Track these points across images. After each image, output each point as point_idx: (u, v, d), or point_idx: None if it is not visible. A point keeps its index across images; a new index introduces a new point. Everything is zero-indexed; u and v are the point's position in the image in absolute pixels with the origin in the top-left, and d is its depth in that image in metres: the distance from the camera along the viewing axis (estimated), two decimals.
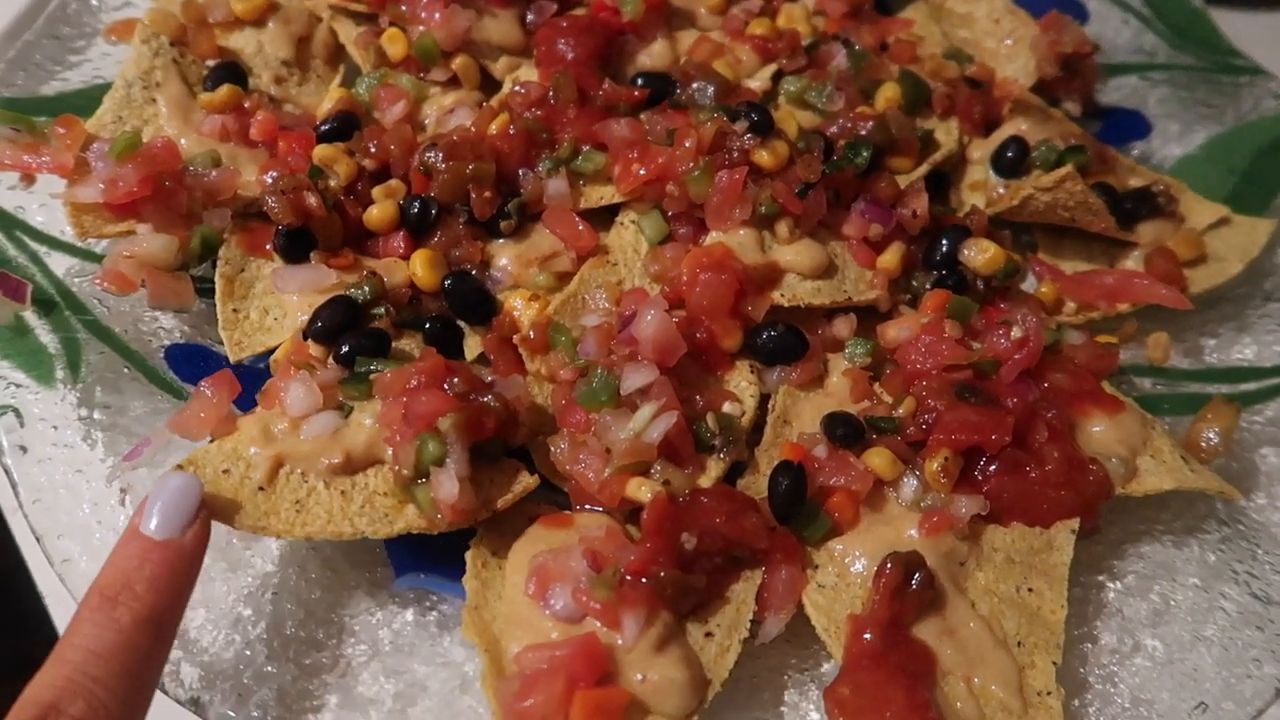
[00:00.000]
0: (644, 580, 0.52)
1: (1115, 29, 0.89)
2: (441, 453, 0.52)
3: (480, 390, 0.56)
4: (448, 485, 0.52)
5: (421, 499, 0.53)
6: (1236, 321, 0.73)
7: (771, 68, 0.81)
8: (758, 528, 0.56)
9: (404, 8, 0.77)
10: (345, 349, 0.60)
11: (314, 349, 0.61)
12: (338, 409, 0.56)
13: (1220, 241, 0.75)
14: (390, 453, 0.54)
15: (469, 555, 0.56)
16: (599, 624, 0.51)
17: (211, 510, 0.51)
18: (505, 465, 0.58)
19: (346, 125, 0.72)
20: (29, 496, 0.54)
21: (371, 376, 0.56)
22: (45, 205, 0.66)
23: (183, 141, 0.69)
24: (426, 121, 0.77)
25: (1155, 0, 0.89)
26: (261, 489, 0.53)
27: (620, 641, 0.51)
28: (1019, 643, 0.56)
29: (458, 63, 0.77)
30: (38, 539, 0.54)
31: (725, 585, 0.56)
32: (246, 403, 0.61)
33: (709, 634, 0.54)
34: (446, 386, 0.55)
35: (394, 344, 0.63)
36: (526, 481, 0.57)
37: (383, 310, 0.63)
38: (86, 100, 0.70)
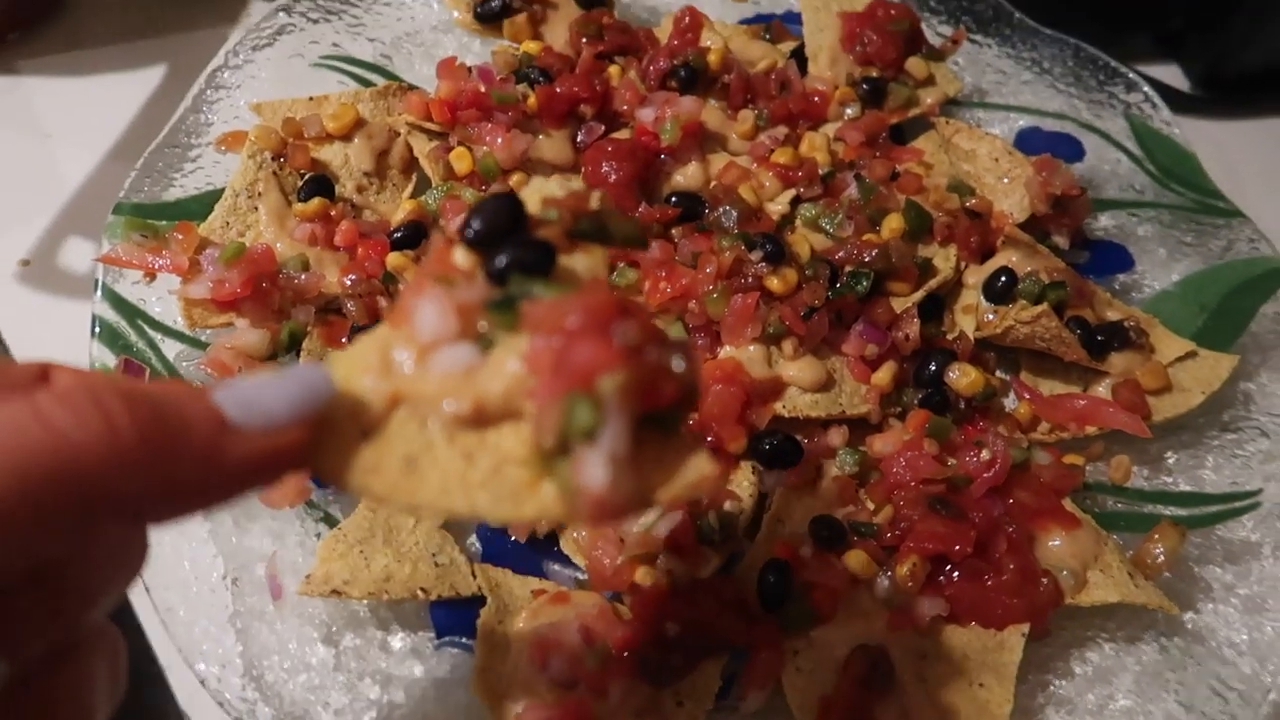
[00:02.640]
0: (627, 655, 0.62)
1: (1110, 165, 0.98)
2: (593, 423, 0.38)
3: (661, 345, 0.42)
4: (594, 470, 0.38)
5: (564, 478, 0.39)
6: (1194, 449, 0.81)
7: (791, 193, 0.91)
8: (737, 629, 0.65)
9: (471, 130, 0.89)
10: (502, 262, 0.43)
11: (462, 259, 0.44)
12: (478, 340, 0.41)
13: (1186, 374, 0.83)
14: (532, 409, 0.40)
15: (479, 622, 0.65)
16: (588, 690, 0.61)
17: (307, 458, 0.38)
18: (678, 443, 0.43)
19: (415, 234, 0.84)
20: None
21: (522, 304, 0.42)
22: (161, 299, 0.77)
23: (278, 245, 0.80)
24: None
25: (1147, 143, 0.98)
26: (367, 434, 0.40)
27: (606, 707, 0.60)
28: None
29: (515, 179, 0.88)
30: (146, 590, 0.65)
31: (697, 662, 0.65)
32: None
33: (680, 703, 0.64)
34: (616, 333, 0.40)
35: (564, 261, 0.45)
36: (704, 471, 0.42)
37: (554, 215, 0.46)
38: (200, 205, 0.82)
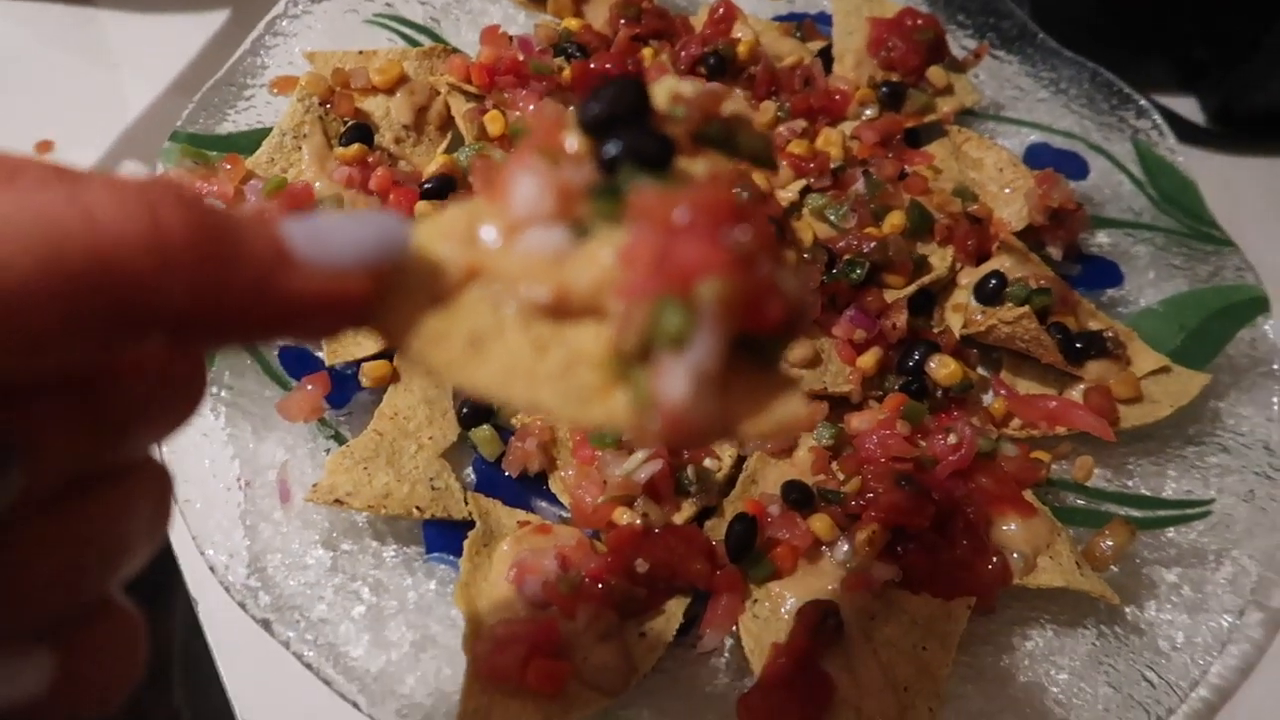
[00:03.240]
0: (599, 585, 0.67)
1: (1113, 186, 1.02)
2: (683, 329, 0.34)
3: (776, 260, 0.37)
4: (675, 381, 0.33)
5: (640, 388, 0.34)
6: (1157, 457, 0.85)
7: (801, 183, 0.96)
8: (703, 573, 0.70)
9: (506, 95, 0.94)
10: (615, 148, 0.39)
11: (573, 142, 0.40)
12: (574, 226, 0.37)
13: (1158, 387, 0.87)
14: (618, 307, 0.35)
15: (466, 542, 0.71)
16: (559, 612, 0.67)
17: (370, 312, 0.35)
18: (773, 377, 0.38)
19: (444, 186, 0.89)
20: (167, 448, 0.72)
21: (630, 192, 0.37)
22: None
23: (317, 185, 0.86)
24: None
25: (1151, 168, 1.01)
26: (439, 303, 0.37)
27: (574, 628, 0.66)
28: (905, 688, 0.70)
29: None
30: None
31: (663, 600, 0.71)
32: (335, 399, 0.78)
33: (642, 634, 0.69)
34: (728, 236, 0.35)
35: (683, 163, 0.40)
36: (797, 411, 0.36)
37: (681, 113, 0.41)
38: (249, 140, 0.88)
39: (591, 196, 0.37)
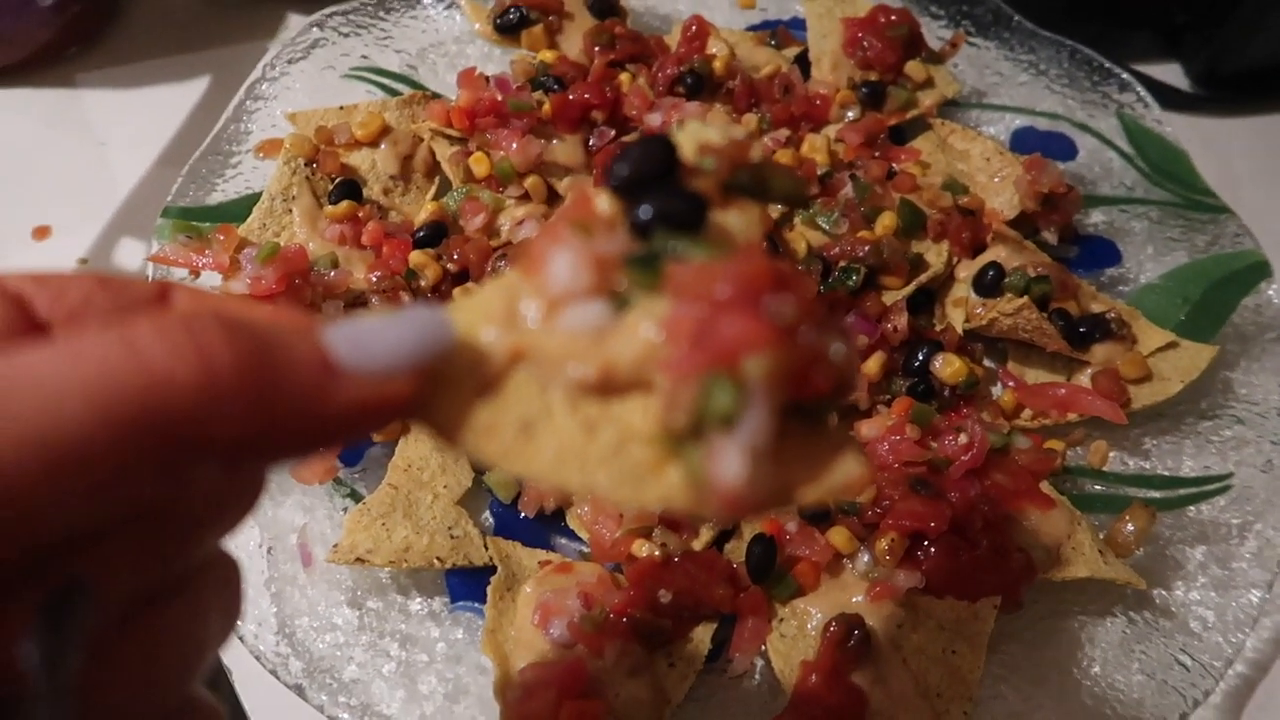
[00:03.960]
0: (624, 620, 0.67)
1: (1103, 163, 1.01)
2: (733, 408, 0.34)
3: (819, 326, 0.37)
4: (729, 461, 0.34)
5: (694, 465, 0.34)
6: (1172, 435, 0.85)
7: None
8: (725, 598, 0.71)
9: (489, 135, 0.95)
10: (647, 213, 0.38)
11: (605, 205, 0.40)
12: (613, 298, 0.37)
13: (1166, 363, 0.87)
14: (665, 382, 0.35)
15: (489, 589, 0.71)
16: (586, 650, 0.67)
17: (417, 410, 0.35)
18: (825, 437, 0.38)
19: (436, 234, 0.90)
20: None
21: (667, 261, 0.37)
22: None
23: (310, 245, 0.87)
24: (502, 228, 0.94)
25: (1138, 141, 1.01)
26: (482, 391, 0.36)
27: (602, 665, 0.66)
28: (939, 694, 0.70)
29: (529, 181, 0.94)
30: None
31: (689, 628, 0.71)
32: (348, 457, 0.79)
33: (671, 664, 0.70)
34: (769, 308, 0.35)
35: (716, 217, 0.39)
36: (854, 473, 0.37)
37: (710, 164, 0.41)
38: (240, 208, 0.89)
39: (628, 265, 0.36)
